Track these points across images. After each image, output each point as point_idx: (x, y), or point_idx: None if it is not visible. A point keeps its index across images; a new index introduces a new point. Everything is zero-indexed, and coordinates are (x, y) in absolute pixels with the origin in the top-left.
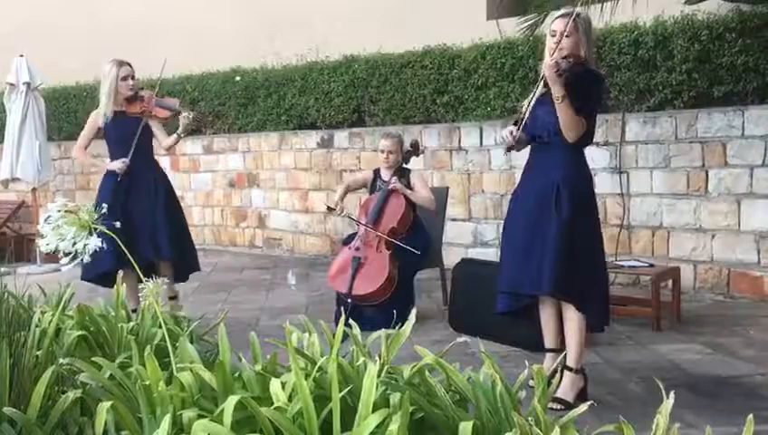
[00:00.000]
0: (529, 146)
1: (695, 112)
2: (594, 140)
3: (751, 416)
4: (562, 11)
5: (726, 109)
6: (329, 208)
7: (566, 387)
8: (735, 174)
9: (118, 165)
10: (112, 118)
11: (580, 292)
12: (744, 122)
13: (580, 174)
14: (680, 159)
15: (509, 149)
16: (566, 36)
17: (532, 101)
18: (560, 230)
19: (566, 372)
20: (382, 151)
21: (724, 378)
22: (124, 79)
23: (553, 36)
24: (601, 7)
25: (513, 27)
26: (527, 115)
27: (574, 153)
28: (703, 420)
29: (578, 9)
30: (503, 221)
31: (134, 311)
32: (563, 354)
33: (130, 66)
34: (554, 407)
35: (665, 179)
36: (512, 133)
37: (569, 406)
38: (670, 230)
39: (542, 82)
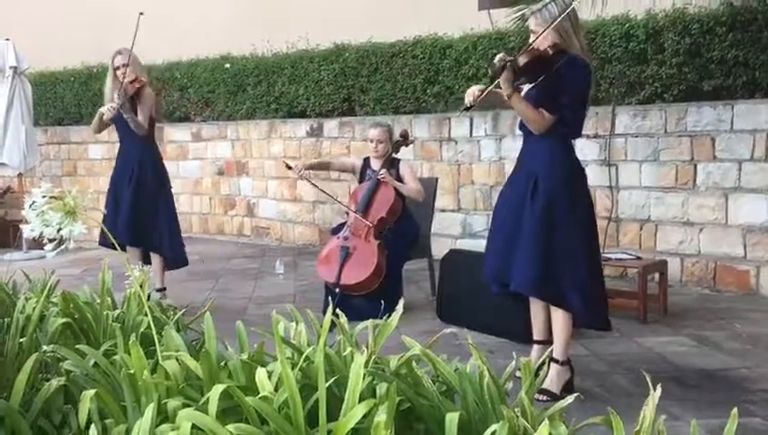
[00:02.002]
0: (520, 134)
1: (684, 106)
2: (584, 132)
3: (735, 409)
4: (535, 6)
5: (716, 103)
6: (287, 166)
7: (552, 378)
8: (724, 168)
9: (104, 109)
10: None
11: (556, 291)
12: (732, 117)
13: (558, 166)
14: (669, 152)
15: (467, 108)
16: (533, 33)
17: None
18: (533, 226)
19: (552, 364)
20: (371, 141)
21: (710, 371)
22: (117, 69)
23: (532, 32)
24: (593, 0)
25: (504, 18)
26: (495, 84)
27: (557, 144)
28: (688, 412)
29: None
30: (492, 212)
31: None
32: (550, 348)
33: (123, 54)
34: (540, 398)
35: (653, 173)
36: (474, 94)
37: (555, 397)
38: (658, 223)
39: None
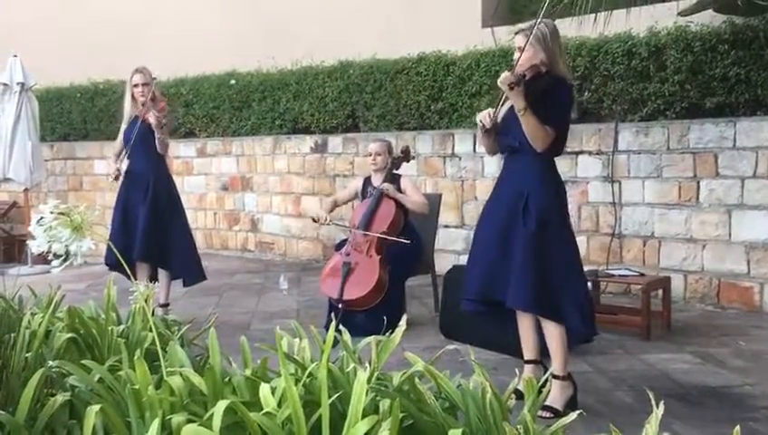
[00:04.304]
0: (501, 155)
1: (687, 123)
2: (587, 148)
3: (738, 426)
4: (523, 25)
5: (718, 120)
6: (314, 220)
7: (555, 395)
8: (726, 185)
9: (109, 169)
10: (131, 121)
11: (554, 306)
12: (735, 134)
13: (548, 184)
14: (672, 169)
15: (486, 130)
16: (522, 51)
17: (502, 107)
18: (527, 243)
19: (554, 380)
20: (370, 154)
21: (713, 388)
22: (135, 86)
23: (518, 51)
24: (595, 18)
25: (507, 35)
26: (501, 105)
27: (543, 162)
28: (691, 429)
29: (541, 21)
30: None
31: (163, 306)
32: (546, 366)
33: (144, 73)
34: (544, 415)
35: (656, 189)
36: (489, 115)
37: (558, 414)
38: (661, 240)
39: (503, 97)
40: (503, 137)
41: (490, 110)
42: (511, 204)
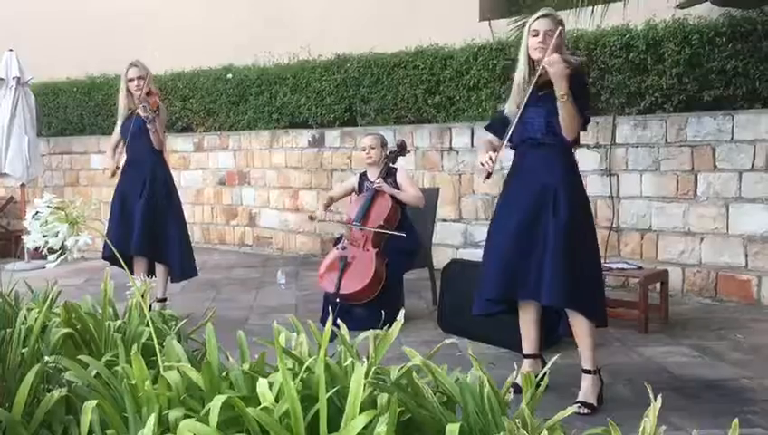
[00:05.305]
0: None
1: (685, 116)
2: (585, 142)
3: (736, 420)
4: (545, 10)
5: (716, 113)
6: (310, 218)
7: (587, 390)
8: (724, 178)
9: (107, 163)
10: (126, 116)
11: (587, 298)
12: (733, 127)
13: (576, 175)
14: (670, 162)
15: (488, 175)
16: (551, 37)
17: (520, 109)
18: (561, 238)
19: (584, 375)
20: (363, 149)
21: (711, 381)
22: (130, 80)
23: (535, 36)
24: (593, 10)
25: (505, 28)
26: (514, 126)
27: (568, 154)
28: (689, 422)
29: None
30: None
31: (161, 300)
32: (545, 360)
33: (139, 67)
34: (581, 411)
35: (654, 182)
36: (491, 159)
37: (593, 409)
38: (659, 233)
39: (533, 84)
40: (518, 134)
41: (491, 153)
42: (538, 198)
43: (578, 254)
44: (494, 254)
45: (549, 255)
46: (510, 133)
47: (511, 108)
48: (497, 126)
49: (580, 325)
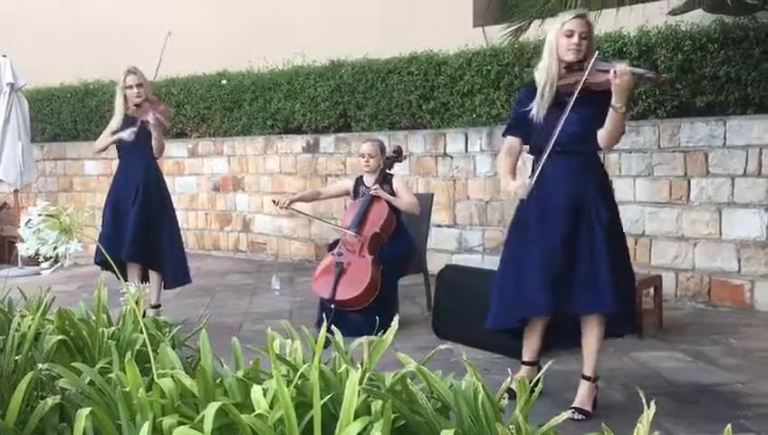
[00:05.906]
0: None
1: (677, 122)
2: None
3: (729, 425)
4: (579, 10)
5: (708, 119)
6: (273, 201)
7: (584, 396)
8: (717, 183)
9: (125, 134)
10: (123, 121)
11: (631, 298)
12: (725, 132)
13: (607, 182)
14: (663, 167)
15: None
16: (584, 39)
17: (562, 119)
18: (604, 245)
19: (583, 381)
20: (362, 156)
21: (705, 386)
22: (129, 87)
23: (570, 36)
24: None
25: (499, 34)
26: (558, 132)
27: (598, 161)
28: (682, 427)
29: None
30: (487, 228)
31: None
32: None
33: (137, 74)
34: (576, 417)
35: (647, 188)
36: (525, 184)
37: (589, 416)
38: (652, 238)
39: (578, 89)
40: (549, 136)
41: (526, 180)
42: (574, 208)
43: (622, 256)
44: (534, 267)
45: (598, 263)
46: (543, 138)
47: (540, 111)
48: (523, 128)
49: (594, 332)
